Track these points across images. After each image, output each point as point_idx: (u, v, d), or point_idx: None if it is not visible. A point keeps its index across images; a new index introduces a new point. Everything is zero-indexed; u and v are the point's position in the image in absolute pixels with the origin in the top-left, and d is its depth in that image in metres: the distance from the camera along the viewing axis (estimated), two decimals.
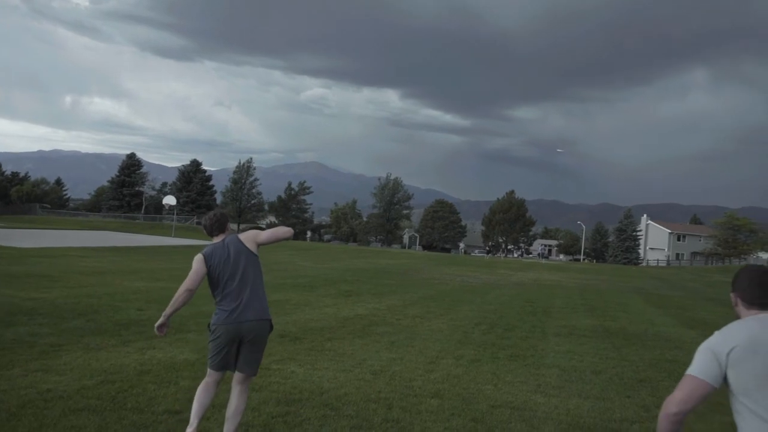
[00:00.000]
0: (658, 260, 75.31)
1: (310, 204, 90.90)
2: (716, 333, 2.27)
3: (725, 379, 2.15)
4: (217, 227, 4.27)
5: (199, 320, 8.84)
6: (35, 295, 10.36)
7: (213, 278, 4.08)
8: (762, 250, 69.60)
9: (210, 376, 4.12)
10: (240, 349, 4.08)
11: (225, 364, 4.07)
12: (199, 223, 65.63)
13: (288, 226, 4.59)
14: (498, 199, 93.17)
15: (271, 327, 4.25)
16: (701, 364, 2.18)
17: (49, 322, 7.97)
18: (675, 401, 2.16)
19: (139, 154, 78.63)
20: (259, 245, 4.24)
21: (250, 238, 4.22)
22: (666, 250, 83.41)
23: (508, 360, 7.73)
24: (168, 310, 4.07)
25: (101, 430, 4.21)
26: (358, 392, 5.64)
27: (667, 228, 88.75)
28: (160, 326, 4.09)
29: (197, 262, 4.09)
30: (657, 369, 7.71)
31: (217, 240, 4.24)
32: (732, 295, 2.42)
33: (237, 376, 4.14)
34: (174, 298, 4.04)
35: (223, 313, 4.04)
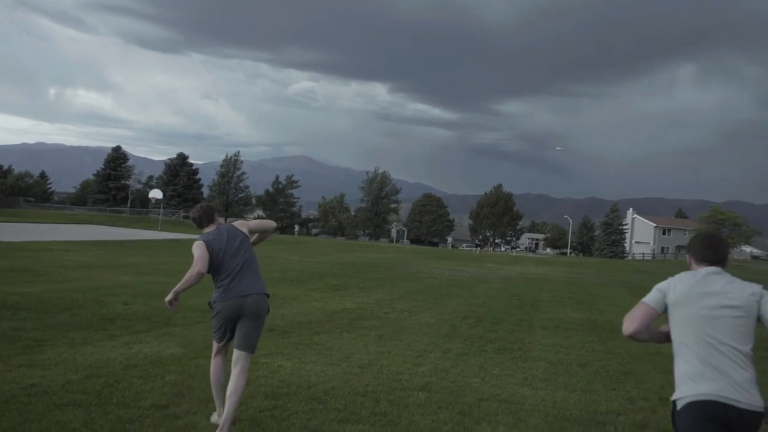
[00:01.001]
0: (643, 254, 75.98)
1: (298, 198, 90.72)
2: (668, 278, 2.84)
3: (664, 311, 2.77)
4: (205, 218, 4.50)
5: (186, 314, 8.79)
6: (19, 289, 10.24)
7: (215, 262, 4.28)
8: (746, 243, 70.42)
9: (219, 352, 4.42)
10: (239, 325, 4.30)
11: (224, 333, 4.35)
12: (186, 217, 65.25)
13: (275, 219, 4.87)
14: (485, 193, 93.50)
15: (268, 308, 4.48)
16: (652, 297, 2.80)
17: (33, 317, 7.89)
18: (630, 322, 2.78)
19: (125, 148, 78.03)
20: (249, 230, 4.56)
21: (241, 224, 4.58)
22: (651, 243, 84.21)
23: (496, 353, 7.76)
24: (178, 287, 4.22)
25: (86, 426, 4.17)
26: (346, 386, 5.64)
27: (652, 222, 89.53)
28: (171, 302, 4.27)
29: (199, 248, 4.27)
30: (642, 361, 7.78)
31: (207, 231, 4.44)
32: (687, 256, 2.96)
33: (236, 355, 4.31)
34: (185, 279, 4.19)
35: (224, 290, 4.27)
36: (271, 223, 4.81)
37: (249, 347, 4.32)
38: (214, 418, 4.42)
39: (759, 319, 2.64)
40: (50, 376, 5.28)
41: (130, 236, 32.73)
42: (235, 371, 4.25)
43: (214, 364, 4.44)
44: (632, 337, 2.78)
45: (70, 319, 8.01)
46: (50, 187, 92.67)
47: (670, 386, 6.78)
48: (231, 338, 4.39)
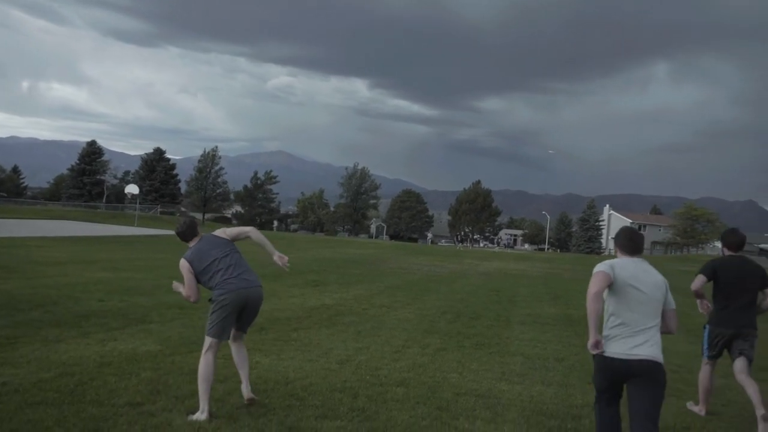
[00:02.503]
0: None
1: (277, 193, 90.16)
2: (607, 260, 3.68)
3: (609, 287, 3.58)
4: (189, 233, 4.77)
5: (162, 311, 8.71)
6: None
7: (205, 274, 4.56)
8: (718, 239, 71.75)
9: (211, 348, 4.52)
10: (242, 314, 4.66)
11: (227, 331, 4.60)
12: (163, 213, 64.54)
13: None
14: (464, 189, 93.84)
15: None
16: (605, 268, 3.59)
17: (4, 314, 7.73)
18: (594, 284, 3.52)
19: (101, 142, 76.65)
20: (231, 237, 4.84)
21: (219, 231, 4.87)
22: None
23: (474, 348, 7.81)
24: (181, 293, 4.67)
25: (59, 424, 4.10)
26: (324, 382, 5.63)
27: (628, 218, 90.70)
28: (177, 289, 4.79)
29: (185, 269, 4.59)
30: None
31: (192, 244, 4.73)
32: (614, 246, 3.89)
33: (234, 334, 4.75)
34: (184, 296, 4.64)
35: (227, 284, 4.51)
36: (245, 229, 5.04)
37: (246, 330, 4.88)
38: (195, 416, 4.35)
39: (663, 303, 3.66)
40: (22, 374, 5.18)
41: (106, 232, 32.27)
42: (235, 347, 4.79)
43: (206, 361, 4.47)
44: (596, 296, 3.50)
45: (44, 316, 7.87)
46: (23, 182, 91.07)
47: None
48: (226, 335, 4.62)
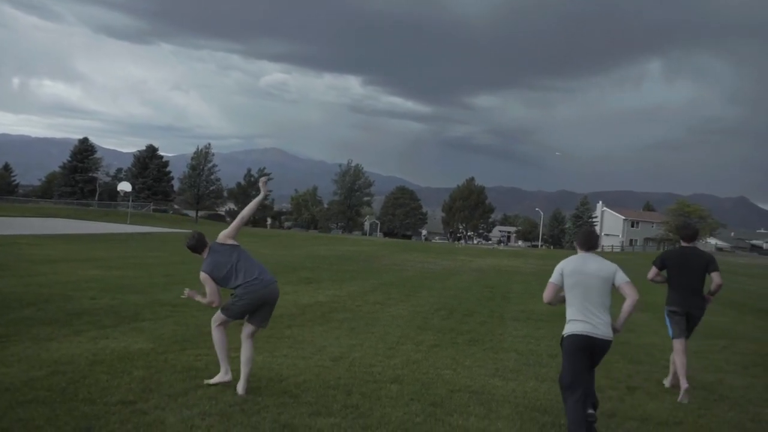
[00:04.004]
0: (612, 246, 77.23)
1: (270, 191, 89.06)
2: (563, 260, 4.49)
3: (562, 284, 4.43)
4: (200, 246, 5.10)
5: (155, 309, 8.66)
6: None
7: (224, 281, 4.96)
8: (710, 235, 72.09)
9: (224, 323, 5.12)
10: (261, 308, 5.06)
11: (238, 317, 5.08)
12: (156, 210, 64.28)
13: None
14: (458, 186, 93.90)
15: None
16: (555, 276, 4.45)
17: None
18: (546, 296, 4.49)
19: (93, 139, 76.23)
20: (232, 237, 5.15)
21: (222, 237, 5.14)
22: (620, 236, 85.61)
23: (467, 345, 7.81)
24: (198, 300, 5.07)
25: (50, 423, 4.07)
26: (318, 379, 5.61)
27: (621, 215, 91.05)
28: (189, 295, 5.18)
29: (207, 281, 4.96)
30: (610, 351, 7.88)
31: (205, 255, 5.07)
32: (575, 244, 4.64)
33: (248, 330, 5.13)
34: (205, 303, 5.04)
35: (248, 287, 4.93)
36: (236, 223, 5.33)
37: (265, 325, 5.27)
38: (217, 378, 5.07)
39: (613, 284, 4.37)
40: (13, 373, 5.14)
41: (98, 230, 32.11)
42: (246, 343, 5.10)
43: (220, 331, 5.12)
44: (549, 303, 4.51)
45: (35, 314, 7.81)
46: (14, 180, 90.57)
47: (638, 375, 6.92)
48: (241, 318, 5.10)
